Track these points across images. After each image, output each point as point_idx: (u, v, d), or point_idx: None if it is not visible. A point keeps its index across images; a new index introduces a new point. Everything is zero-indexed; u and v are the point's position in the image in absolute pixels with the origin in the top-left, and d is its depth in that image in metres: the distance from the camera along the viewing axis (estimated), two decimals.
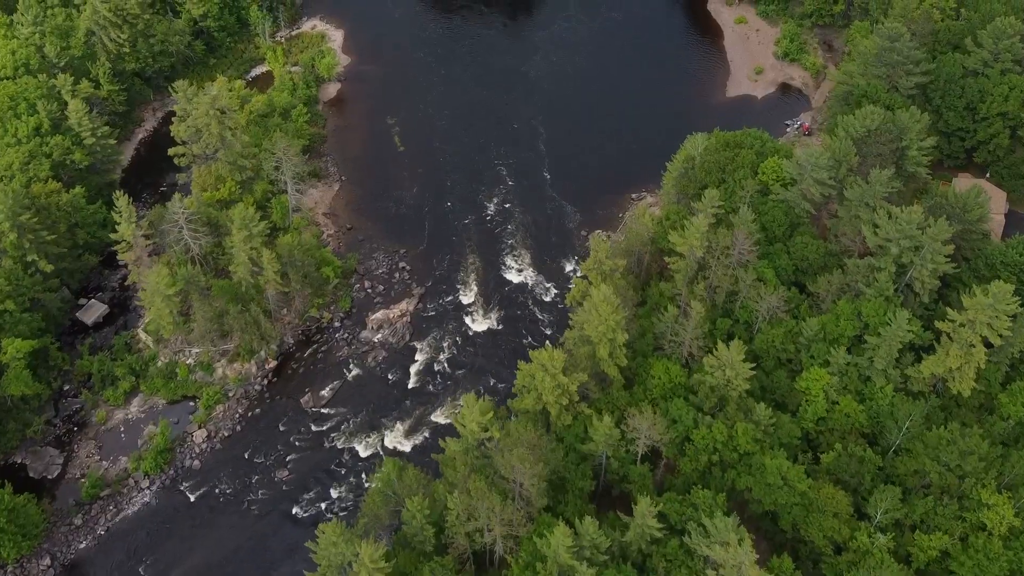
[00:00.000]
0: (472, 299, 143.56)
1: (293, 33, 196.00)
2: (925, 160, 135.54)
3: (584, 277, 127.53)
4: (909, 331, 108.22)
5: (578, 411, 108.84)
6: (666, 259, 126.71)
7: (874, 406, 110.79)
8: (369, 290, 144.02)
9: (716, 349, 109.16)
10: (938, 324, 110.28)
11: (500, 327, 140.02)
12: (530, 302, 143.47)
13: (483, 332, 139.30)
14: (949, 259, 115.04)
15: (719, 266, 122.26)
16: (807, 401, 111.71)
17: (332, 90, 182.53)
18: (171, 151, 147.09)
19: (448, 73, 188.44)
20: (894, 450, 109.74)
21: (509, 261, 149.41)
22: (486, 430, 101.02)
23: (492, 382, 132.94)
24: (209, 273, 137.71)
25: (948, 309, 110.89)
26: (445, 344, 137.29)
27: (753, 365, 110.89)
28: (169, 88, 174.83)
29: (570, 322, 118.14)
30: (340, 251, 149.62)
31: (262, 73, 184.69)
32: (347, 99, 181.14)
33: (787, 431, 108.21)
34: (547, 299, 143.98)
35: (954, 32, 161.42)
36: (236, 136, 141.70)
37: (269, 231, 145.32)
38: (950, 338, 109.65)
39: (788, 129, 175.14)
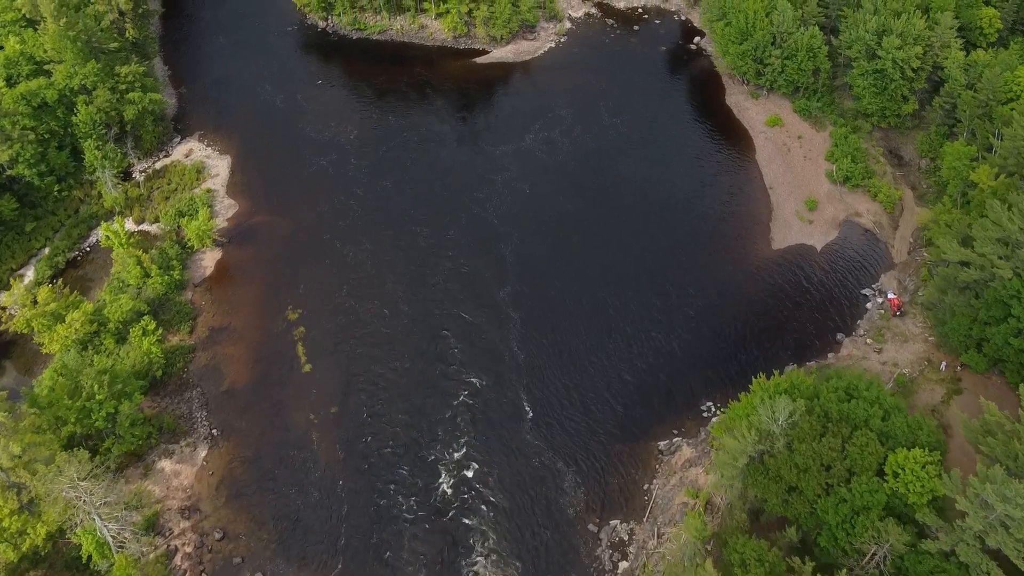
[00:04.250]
0: None
1: (159, 165, 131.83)
2: None
3: None
4: None
5: None
6: None
7: None
8: None
9: None
10: None
11: None
12: None
13: None
14: None
15: None
16: None
17: (209, 262, 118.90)
18: None
19: (374, 206, 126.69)
20: None
21: None
22: None
23: None
24: None
25: None
26: None
27: None
28: None
29: None
30: None
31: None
32: (231, 276, 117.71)
33: None
34: None
35: None
36: (2, 447, 78.59)
37: None
38: None
39: (868, 304, 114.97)
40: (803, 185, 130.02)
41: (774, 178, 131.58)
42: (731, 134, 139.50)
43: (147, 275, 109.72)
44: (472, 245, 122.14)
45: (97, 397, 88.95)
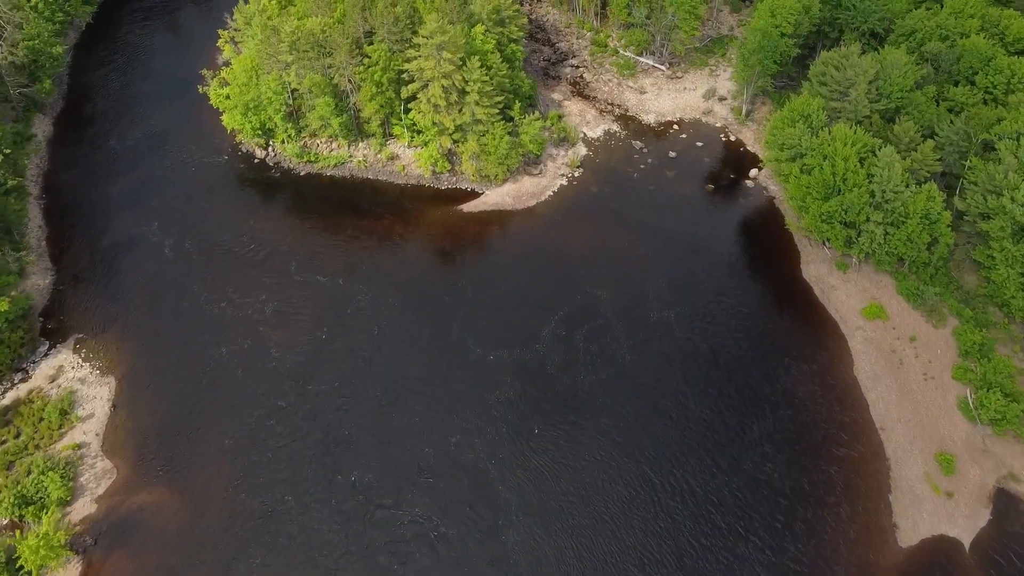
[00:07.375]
0: None
1: (10, 397, 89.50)
2: None
3: None
4: None
5: None
6: None
7: None
8: None
9: None
10: None
11: None
12: None
13: None
14: None
15: None
16: None
17: None
18: None
19: (303, 429, 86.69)
20: None
21: None
22: None
23: None
24: None
25: None
26: None
27: None
28: None
29: None
30: None
31: None
32: None
33: None
34: None
35: None
36: None
37: None
38: None
39: None
40: (929, 424, 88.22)
41: (885, 411, 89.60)
42: (815, 329, 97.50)
43: None
44: (453, 507, 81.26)
45: None
